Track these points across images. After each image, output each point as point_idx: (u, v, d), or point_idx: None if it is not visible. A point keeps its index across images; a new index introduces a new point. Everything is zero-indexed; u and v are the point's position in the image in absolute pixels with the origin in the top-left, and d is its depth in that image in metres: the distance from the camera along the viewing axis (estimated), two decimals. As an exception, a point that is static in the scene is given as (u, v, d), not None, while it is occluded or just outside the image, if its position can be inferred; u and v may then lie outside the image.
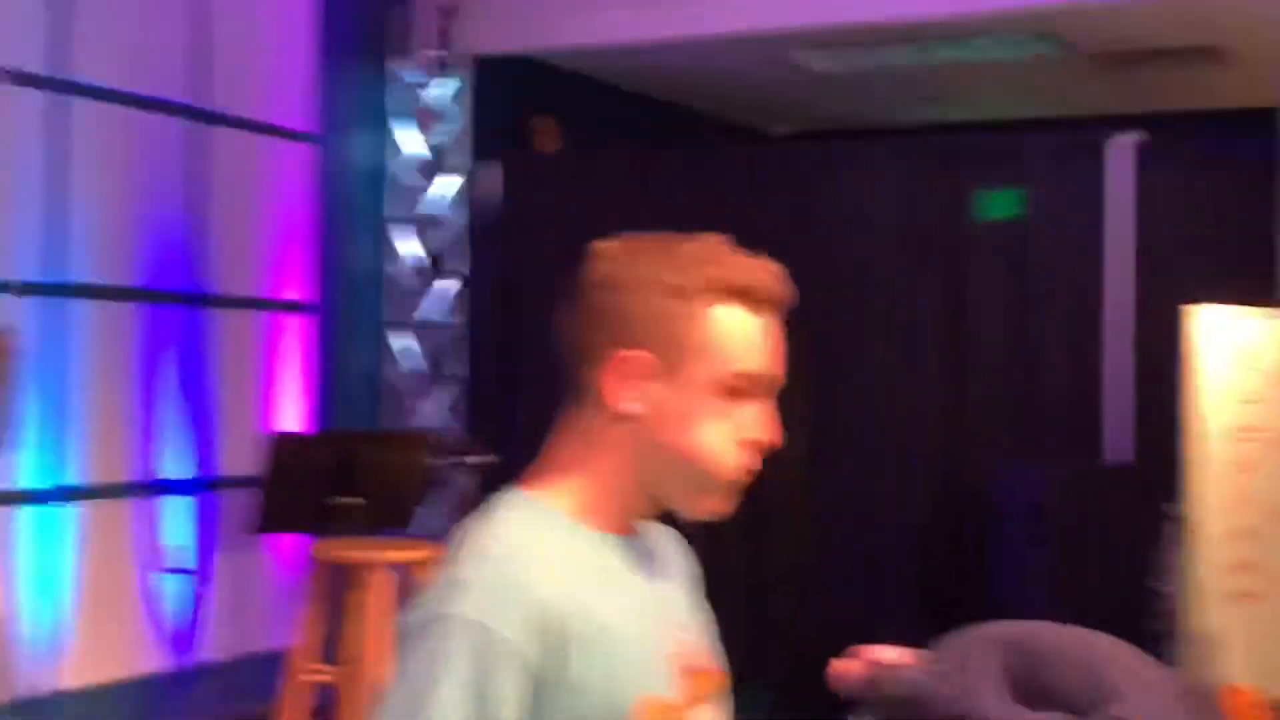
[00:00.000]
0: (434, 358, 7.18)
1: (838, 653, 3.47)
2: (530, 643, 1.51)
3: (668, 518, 1.75)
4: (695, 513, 1.67)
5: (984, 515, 5.74)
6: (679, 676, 1.63)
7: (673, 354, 1.62)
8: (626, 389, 1.62)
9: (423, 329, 7.18)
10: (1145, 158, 5.94)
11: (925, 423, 6.33)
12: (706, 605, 1.80)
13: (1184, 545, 4.40)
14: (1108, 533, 5.41)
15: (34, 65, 5.54)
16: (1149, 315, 5.73)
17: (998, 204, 6.48)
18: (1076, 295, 6.07)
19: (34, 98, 5.56)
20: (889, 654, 3.31)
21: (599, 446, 1.64)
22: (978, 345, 6.31)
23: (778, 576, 6.40)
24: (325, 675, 4.84)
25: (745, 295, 1.64)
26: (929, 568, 6.26)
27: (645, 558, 1.70)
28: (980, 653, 3.21)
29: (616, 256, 1.66)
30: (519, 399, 7.15)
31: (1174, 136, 6.12)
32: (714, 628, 1.78)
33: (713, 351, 1.62)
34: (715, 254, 1.65)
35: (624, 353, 1.62)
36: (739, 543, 6.05)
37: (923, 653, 3.35)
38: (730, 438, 1.64)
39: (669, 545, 1.79)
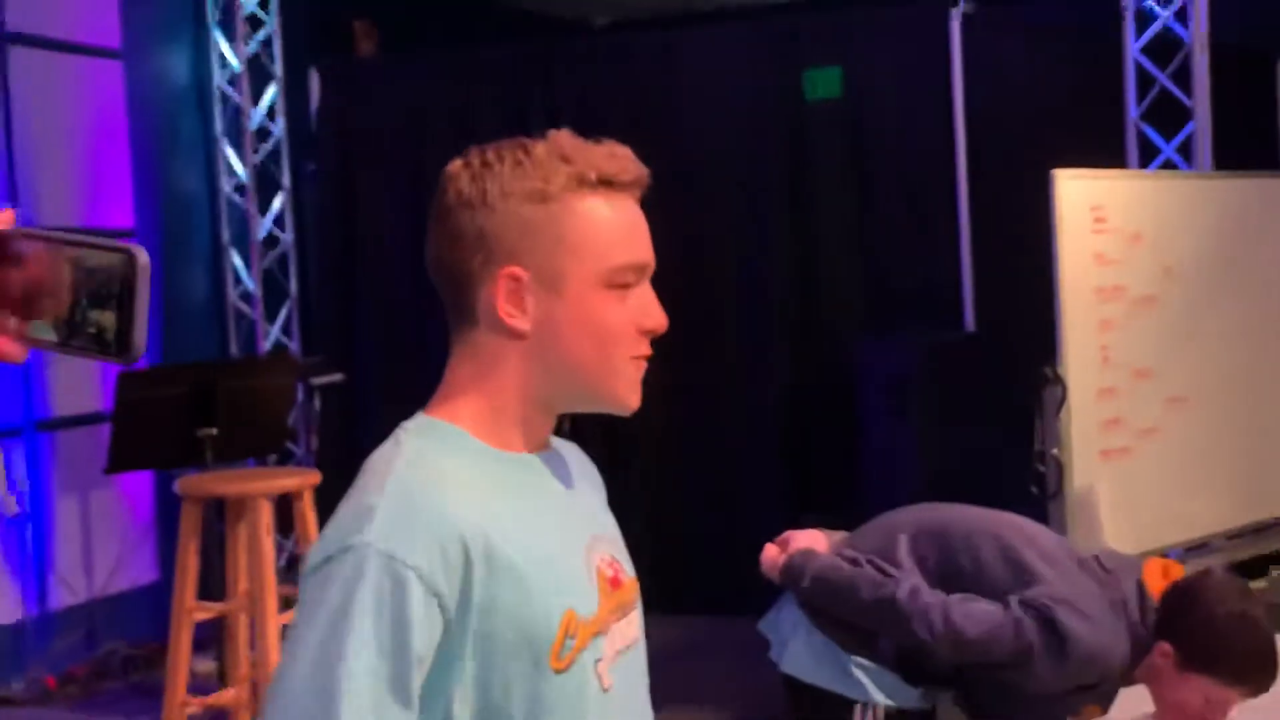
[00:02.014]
0: (269, 277, 6.92)
1: (732, 547, 3.42)
2: (440, 567, 1.48)
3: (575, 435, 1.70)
4: (610, 409, 1.64)
5: (848, 392, 5.77)
6: (601, 589, 1.61)
7: (552, 262, 1.57)
8: (513, 306, 1.58)
9: (255, 247, 6.90)
10: (980, 26, 5.98)
11: (779, 306, 6.34)
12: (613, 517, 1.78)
13: (1062, 406, 4.47)
14: (971, 400, 5.48)
15: None
16: (1001, 183, 5.79)
17: (821, 83, 6.48)
18: (922, 165, 6.11)
19: None
20: (806, 538, 3.30)
21: (497, 366, 1.60)
22: (825, 222, 6.33)
23: (642, 479, 6.36)
24: (209, 611, 4.64)
25: (607, 184, 1.59)
26: (797, 451, 6.28)
27: (559, 472, 1.67)
28: (898, 537, 3.21)
29: (469, 174, 1.58)
30: (356, 315, 6.96)
31: (1006, 3, 6.17)
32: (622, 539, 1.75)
33: (589, 248, 1.58)
34: (567, 149, 1.58)
35: (502, 270, 1.57)
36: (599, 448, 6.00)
37: (839, 536, 3.35)
38: (625, 331, 1.60)
39: (578, 459, 1.76)
